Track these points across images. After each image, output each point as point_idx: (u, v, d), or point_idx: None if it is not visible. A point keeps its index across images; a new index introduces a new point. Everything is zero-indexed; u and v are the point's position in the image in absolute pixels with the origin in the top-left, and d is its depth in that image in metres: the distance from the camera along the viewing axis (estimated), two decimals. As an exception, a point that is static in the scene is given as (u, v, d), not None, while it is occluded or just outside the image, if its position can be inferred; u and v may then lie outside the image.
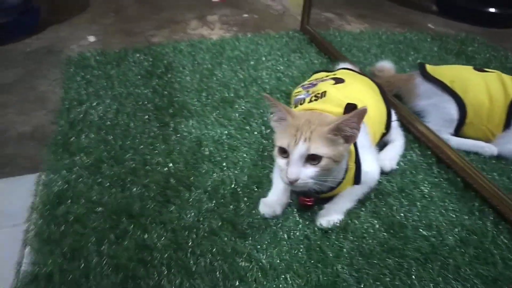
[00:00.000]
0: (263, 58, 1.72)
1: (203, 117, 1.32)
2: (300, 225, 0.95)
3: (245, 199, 1.01)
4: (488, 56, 2.01)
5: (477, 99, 1.23)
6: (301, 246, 0.90)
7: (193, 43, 1.84)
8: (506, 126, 1.22)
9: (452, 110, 1.25)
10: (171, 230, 0.92)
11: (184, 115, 1.32)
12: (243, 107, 1.38)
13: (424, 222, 0.97)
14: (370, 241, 0.91)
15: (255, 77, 1.57)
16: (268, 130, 1.26)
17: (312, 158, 0.86)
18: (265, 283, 0.81)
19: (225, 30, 2.07)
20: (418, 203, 1.02)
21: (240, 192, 1.03)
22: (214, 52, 1.75)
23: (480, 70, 1.32)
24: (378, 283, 0.82)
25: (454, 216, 0.99)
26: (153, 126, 1.27)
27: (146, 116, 1.31)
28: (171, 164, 1.11)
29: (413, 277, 0.83)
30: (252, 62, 1.68)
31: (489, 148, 1.21)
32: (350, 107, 1.01)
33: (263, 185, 1.06)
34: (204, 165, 1.12)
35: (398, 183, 1.08)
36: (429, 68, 1.36)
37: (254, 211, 0.98)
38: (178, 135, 1.23)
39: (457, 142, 1.23)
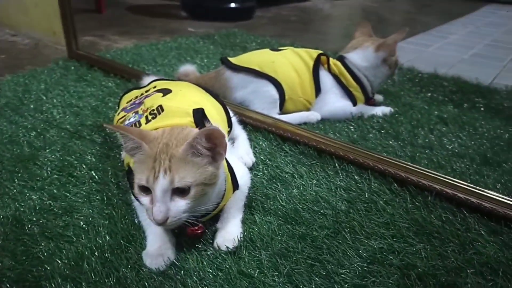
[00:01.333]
0: (44, 97, 1.39)
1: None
2: (205, 261, 0.79)
3: (124, 261, 0.78)
4: (254, 43, 2.21)
5: (287, 76, 1.31)
6: (219, 282, 0.74)
7: None
8: (317, 93, 1.33)
9: (272, 91, 1.29)
10: None
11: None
12: (53, 158, 1.08)
13: (310, 199, 0.95)
14: (280, 238, 0.84)
15: (46, 120, 1.26)
16: (99, 173, 1.02)
17: (179, 191, 0.72)
18: None
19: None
20: (293, 184, 1.01)
21: (112, 257, 0.79)
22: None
23: (275, 50, 1.41)
24: (312, 274, 0.76)
25: (328, 182, 1.02)
26: None
27: None
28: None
29: (334, 252, 0.81)
30: (32, 106, 1.34)
31: (313, 115, 1.31)
32: (198, 113, 0.91)
33: (134, 237, 0.84)
34: (40, 247, 0.81)
35: (266, 174, 1.05)
36: (234, 60, 1.37)
37: (141, 272, 0.76)
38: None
39: (286, 118, 1.28)
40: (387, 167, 1.00)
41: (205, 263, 0.78)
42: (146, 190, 0.74)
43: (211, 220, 0.87)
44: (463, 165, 1.10)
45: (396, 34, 1.31)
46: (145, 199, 0.74)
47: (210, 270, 0.77)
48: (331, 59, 1.35)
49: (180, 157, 0.72)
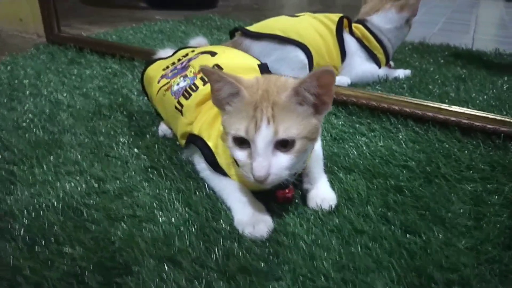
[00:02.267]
0: (38, 82, 1.21)
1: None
2: (310, 223, 0.70)
3: (221, 232, 0.68)
4: (237, 25, 2.12)
5: (313, 40, 1.25)
6: (335, 242, 0.66)
7: None
8: (342, 57, 1.29)
9: (301, 56, 1.22)
10: None
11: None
12: (79, 140, 0.93)
13: (384, 154, 0.90)
14: (375, 192, 0.78)
15: (53, 103, 1.09)
16: (142, 150, 0.90)
17: (282, 144, 0.63)
18: None
19: None
20: (358, 142, 0.95)
21: (204, 230, 0.68)
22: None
23: (293, 16, 1.34)
24: (427, 222, 0.70)
25: (393, 137, 0.97)
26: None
27: None
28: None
29: (437, 199, 0.76)
30: (28, 91, 1.16)
31: (344, 79, 1.26)
32: (265, 67, 0.82)
33: (216, 208, 0.73)
34: (111, 231, 0.68)
35: (325, 135, 0.98)
36: (253, 28, 1.29)
37: (245, 242, 0.66)
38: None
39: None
40: (448, 117, 0.98)
41: (310, 224, 0.70)
42: (243, 142, 0.64)
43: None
44: (504, 112, 1.11)
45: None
46: (241, 154, 0.64)
47: (320, 232, 0.68)
48: (353, 23, 1.31)
49: (284, 105, 0.63)
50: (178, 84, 0.86)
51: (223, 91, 0.65)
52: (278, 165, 0.62)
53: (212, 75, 0.64)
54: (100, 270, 0.61)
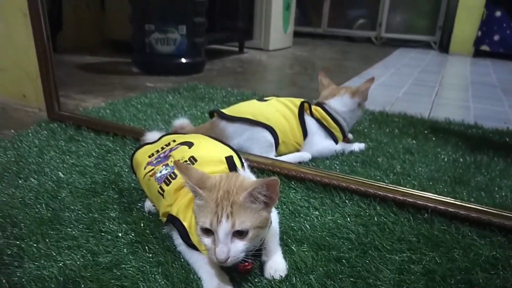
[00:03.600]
0: (41, 160, 1.40)
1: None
2: (264, 289, 0.88)
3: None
4: (219, 95, 2.36)
5: (278, 122, 1.47)
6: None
7: None
8: (304, 135, 1.51)
9: (268, 136, 1.43)
10: None
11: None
12: (77, 217, 1.11)
13: (331, 227, 1.09)
14: (320, 263, 0.96)
15: (54, 181, 1.27)
16: (130, 225, 1.07)
17: (238, 234, 0.82)
18: None
19: None
20: (311, 215, 1.14)
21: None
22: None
23: (262, 100, 1.57)
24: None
25: (340, 211, 1.17)
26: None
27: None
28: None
29: (369, 269, 0.94)
30: (33, 168, 1.34)
31: (305, 155, 1.47)
32: (231, 159, 1.03)
33: (189, 279, 0.90)
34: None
35: (285, 209, 1.17)
36: (227, 111, 1.50)
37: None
38: None
39: (284, 159, 1.43)
40: (386, 193, 1.18)
41: (266, 292, 0.87)
42: (208, 232, 0.83)
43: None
44: (441, 186, 1.32)
45: (366, 82, 1.55)
46: (207, 240, 0.83)
47: (272, 298, 0.86)
48: (312, 106, 1.54)
49: (240, 203, 0.82)
50: (160, 171, 1.06)
51: (188, 186, 0.85)
52: (236, 249, 0.81)
53: (182, 173, 0.84)
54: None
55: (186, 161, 1.05)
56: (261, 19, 4.46)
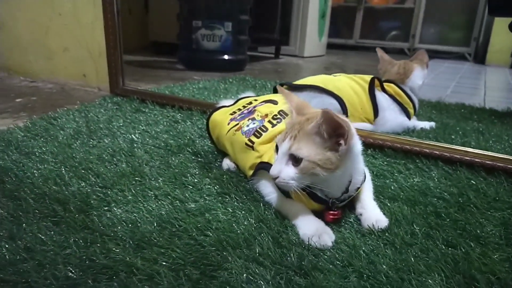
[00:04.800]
0: (111, 126, 1.40)
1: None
2: (365, 238, 0.84)
3: (293, 238, 0.81)
4: (269, 85, 2.36)
5: (348, 95, 1.44)
6: (389, 252, 0.79)
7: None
8: (375, 112, 1.47)
9: (337, 106, 1.41)
10: None
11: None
12: (157, 172, 1.09)
13: (420, 188, 1.05)
14: (418, 216, 0.91)
15: (128, 142, 1.27)
16: (214, 180, 1.05)
17: (294, 159, 0.80)
18: None
19: (12, 119, 1.55)
20: (397, 178, 1.10)
21: (278, 239, 0.82)
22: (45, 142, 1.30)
23: (332, 75, 1.55)
24: (465, 239, 0.83)
25: (426, 174, 1.12)
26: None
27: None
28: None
29: (471, 222, 0.89)
30: (104, 132, 1.34)
31: (370, 126, 1.44)
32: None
33: (284, 223, 0.87)
34: (205, 238, 0.82)
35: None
36: (296, 82, 1.49)
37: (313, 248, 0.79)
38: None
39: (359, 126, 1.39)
40: (473, 158, 1.13)
41: (367, 238, 0.83)
42: (277, 149, 0.84)
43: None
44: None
45: (418, 54, 1.53)
46: (275, 155, 0.86)
47: (376, 244, 0.82)
48: (384, 83, 1.51)
49: (306, 131, 0.80)
50: (247, 125, 1.04)
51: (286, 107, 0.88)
52: (286, 173, 0.80)
53: (284, 95, 0.88)
54: (197, 267, 0.74)
55: (275, 115, 1.04)
56: (297, 25, 4.50)
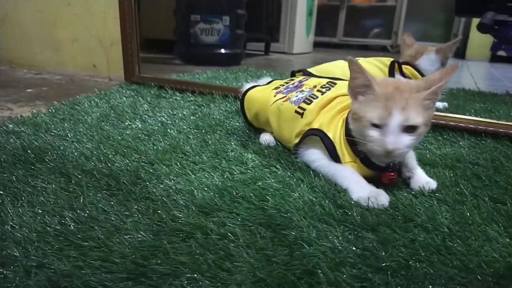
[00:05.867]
0: (135, 110, 1.40)
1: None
2: (418, 198, 0.88)
3: (351, 202, 0.84)
4: (272, 73, 2.39)
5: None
6: (443, 209, 0.83)
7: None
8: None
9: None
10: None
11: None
12: (197, 148, 1.11)
13: (455, 157, 1.10)
14: (460, 181, 0.96)
15: (158, 124, 1.27)
16: (255, 155, 1.07)
17: (408, 128, 0.83)
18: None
19: (29, 107, 1.52)
20: (430, 147, 1.15)
21: (333, 203, 0.85)
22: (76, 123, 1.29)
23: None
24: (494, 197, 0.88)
25: (455, 144, 1.17)
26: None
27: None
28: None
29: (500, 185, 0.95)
30: (129, 116, 1.34)
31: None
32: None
33: (336, 191, 0.90)
34: (267, 203, 0.84)
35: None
36: (314, 70, 1.52)
37: (371, 209, 0.82)
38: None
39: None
40: (497, 128, 1.19)
41: (420, 198, 0.87)
42: (375, 125, 0.83)
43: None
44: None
45: (450, 42, 1.58)
46: (374, 132, 0.84)
47: (430, 202, 0.85)
48: (402, 65, 1.56)
49: (417, 101, 0.82)
50: (297, 96, 1.07)
51: (359, 80, 0.85)
52: (403, 143, 0.82)
53: (355, 66, 0.85)
54: (267, 227, 0.76)
55: (324, 85, 1.06)
56: (286, 23, 4.55)
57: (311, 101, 1.01)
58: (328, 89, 1.04)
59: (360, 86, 0.86)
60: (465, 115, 1.48)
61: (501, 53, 4.86)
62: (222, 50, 3.05)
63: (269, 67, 3.36)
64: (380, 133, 0.83)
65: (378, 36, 6.18)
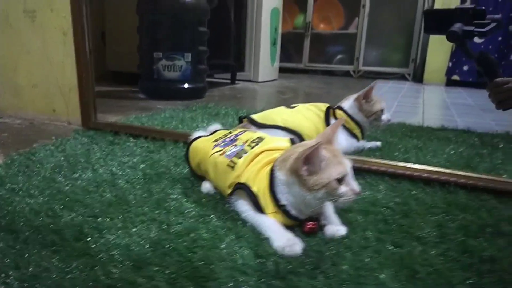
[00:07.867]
0: (88, 159, 1.50)
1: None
2: (328, 245, 1.01)
3: (270, 250, 0.96)
4: (231, 111, 2.52)
5: (307, 128, 1.62)
6: (348, 254, 0.96)
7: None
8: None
9: (296, 140, 1.58)
10: None
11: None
12: (142, 199, 1.21)
13: (370, 200, 1.24)
14: (370, 222, 1.10)
15: (109, 174, 1.37)
16: (194, 204, 1.18)
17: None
18: None
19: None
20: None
21: (253, 253, 0.96)
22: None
23: (290, 107, 1.74)
24: (404, 239, 1.02)
25: (373, 188, 1.32)
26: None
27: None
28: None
29: (413, 226, 1.09)
30: (81, 166, 1.44)
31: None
32: (292, 141, 1.18)
33: (260, 240, 1.02)
34: (194, 255, 0.95)
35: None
36: (257, 117, 1.65)
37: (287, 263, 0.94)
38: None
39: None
40: (412, 172, 1.34)
41: (330, 244, 1.00)
42: (341, 180, 0.98)
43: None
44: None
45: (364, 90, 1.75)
46: (343, 187, 0.98)
47: (336, 248, 0.98)
48: (336, 110, 1.72)
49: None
50: (231, 150, 1.20)
51: (316, 161, 0.98)
52: None
53: (314, 152, 0.97)
54: (192, 279, 0.86)
55: (253, 140, 1.20)
56: (250, 52, 4.75)
57: (241, 156, 1.14)
58: (256, 144, 1.17)
59: (317, 162, 0.98)
60: (395, 153, 1.65)
61: (455, 77, 5.16)
62: (185, 85, 3.17)
63: (233, 99, 3.49)
64: (345, 185, 0.98)
65: (342, 62, 6.47)
